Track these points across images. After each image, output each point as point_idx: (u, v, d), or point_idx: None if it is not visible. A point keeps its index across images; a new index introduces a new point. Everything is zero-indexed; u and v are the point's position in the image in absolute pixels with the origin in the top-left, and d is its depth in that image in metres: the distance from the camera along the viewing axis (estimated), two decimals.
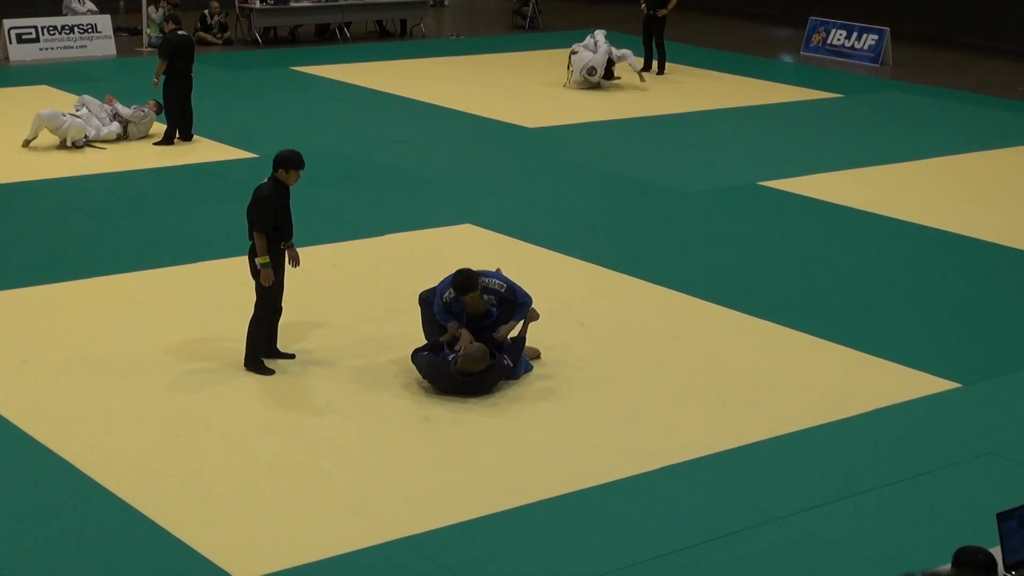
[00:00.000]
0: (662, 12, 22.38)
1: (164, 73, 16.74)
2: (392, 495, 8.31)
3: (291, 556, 7.58)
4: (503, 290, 10.02)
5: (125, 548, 7.65)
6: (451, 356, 9.75)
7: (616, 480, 8.58)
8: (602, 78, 21.30)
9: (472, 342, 9.78)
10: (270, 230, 9.89)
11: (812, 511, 8.29)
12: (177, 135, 16.98)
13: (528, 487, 8.45)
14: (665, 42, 22.86)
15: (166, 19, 17.73)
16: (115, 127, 16.93)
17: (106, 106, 17.04)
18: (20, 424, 9.10)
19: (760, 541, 7.92)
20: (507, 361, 9.85)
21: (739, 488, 8.56)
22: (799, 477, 8.76)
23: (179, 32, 16.86)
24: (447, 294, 9.92)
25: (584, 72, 21.22)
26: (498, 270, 10.54)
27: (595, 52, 21.25)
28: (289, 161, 10.01)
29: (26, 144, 16.51)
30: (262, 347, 10.13)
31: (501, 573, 7.55)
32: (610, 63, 21.27)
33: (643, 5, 22.52)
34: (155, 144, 16.89)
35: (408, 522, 7.98)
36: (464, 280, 9.79)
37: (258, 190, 9.99)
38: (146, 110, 17.22)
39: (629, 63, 21.52)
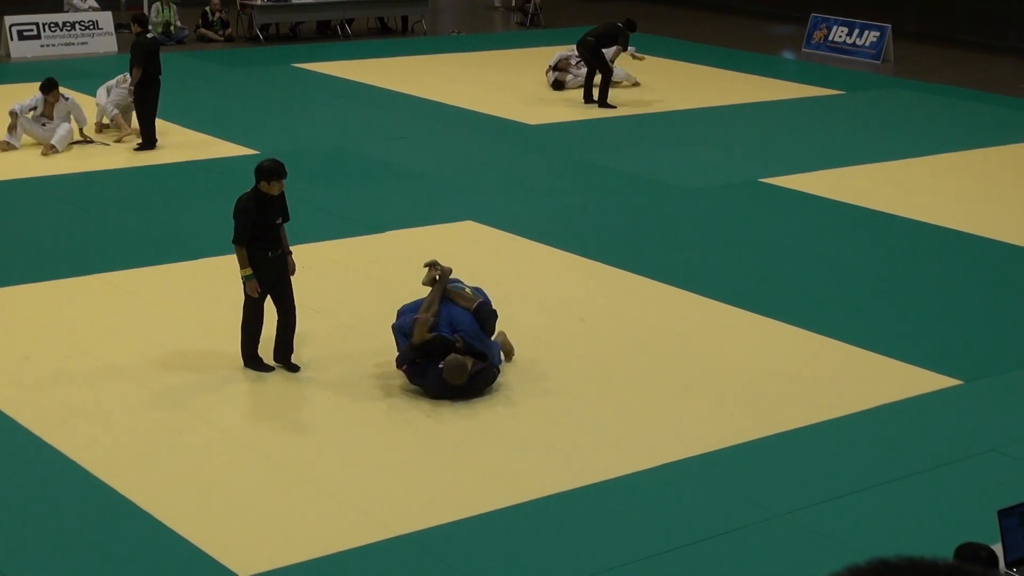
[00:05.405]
0: None
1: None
2: (393, 492, 8.32)
3: (292, 553, 7.58)
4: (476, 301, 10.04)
5: (127, 544, 7.66)
6: (440, 364, 9.60)
7: (617, 477, 8.58)
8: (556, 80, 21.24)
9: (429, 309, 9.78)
10: (247, 242, 9.85)
11: (813, 508, 8.29)
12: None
13: (529, 484, 8.46)
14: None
15: (133, 20, 16.87)
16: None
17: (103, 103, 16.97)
18: (22, 421, 9.11)
19: (761, 538, 7.92)
20: (496, 368, 9.79)
21: (740, 485, 8.56)
22: (800, 474, 8.76)
23: (148, 35, 16.66)
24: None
25: (554, 73, 21.26)
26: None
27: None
28: (270, 172, 9.92)
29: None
30: (255, 347, 10.09)
31: (502, 569, 7.56)
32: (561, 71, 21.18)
33: None
34: (136, 149, 16.47)
35: (409, 519, 7.98)
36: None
37: (237, 202, 9.99)
38: (127, 81, 16.73)
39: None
